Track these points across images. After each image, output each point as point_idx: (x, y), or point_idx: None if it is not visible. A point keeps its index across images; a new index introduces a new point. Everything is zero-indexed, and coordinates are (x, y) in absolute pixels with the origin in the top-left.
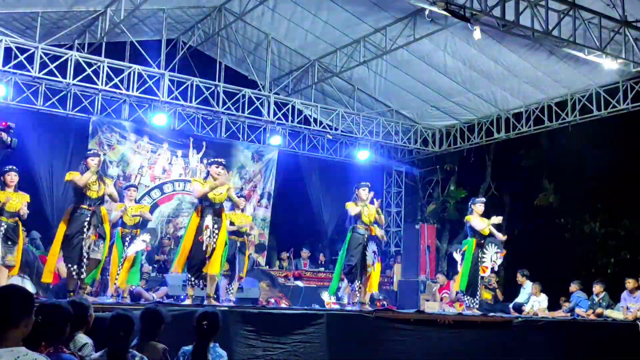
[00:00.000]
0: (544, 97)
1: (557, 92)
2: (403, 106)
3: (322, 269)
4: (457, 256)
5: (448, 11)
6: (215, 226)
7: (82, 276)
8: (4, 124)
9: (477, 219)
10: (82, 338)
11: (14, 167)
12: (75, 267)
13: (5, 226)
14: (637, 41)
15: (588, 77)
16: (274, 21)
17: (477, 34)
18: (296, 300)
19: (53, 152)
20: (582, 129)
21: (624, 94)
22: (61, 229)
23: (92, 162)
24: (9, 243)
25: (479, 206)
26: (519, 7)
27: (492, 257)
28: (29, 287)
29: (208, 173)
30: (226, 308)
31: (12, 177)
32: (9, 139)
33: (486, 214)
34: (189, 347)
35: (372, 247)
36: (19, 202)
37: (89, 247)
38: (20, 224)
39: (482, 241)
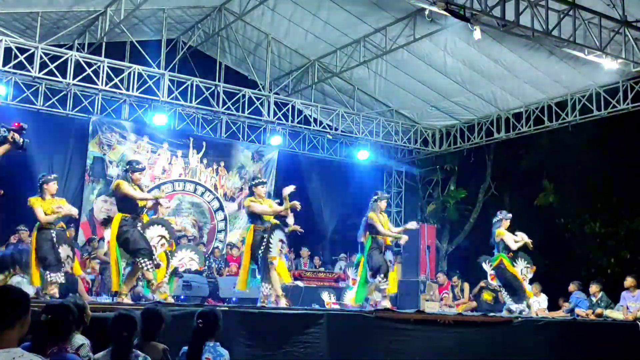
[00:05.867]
0: (544, 97)
1: (557, 92)
2: (403, 106)
3: (322, 269)
4: (486, 267)
5: (448, 11)
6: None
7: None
8: (16, 124)
9: (509, 236)
10: (79, 339)
11: (56, 176)
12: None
13: (54, 232)
14: (637, 41)
15: (588, 77)
16: (274, 21)
17: (477, 34)
18: (296, 300)
19: (53, 152)
20: (582, 129)
21: (624, 94)
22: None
23: (139, 176)
24: (64, 246)
25: (508, 221)
26: (519, 7)
27: (523, 270)
28: (26, 287)
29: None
30: (226, 308)
31: (56, 186)
32: (21, 139)
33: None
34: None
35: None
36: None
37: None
38: (65, 227)
39: (511, 254)
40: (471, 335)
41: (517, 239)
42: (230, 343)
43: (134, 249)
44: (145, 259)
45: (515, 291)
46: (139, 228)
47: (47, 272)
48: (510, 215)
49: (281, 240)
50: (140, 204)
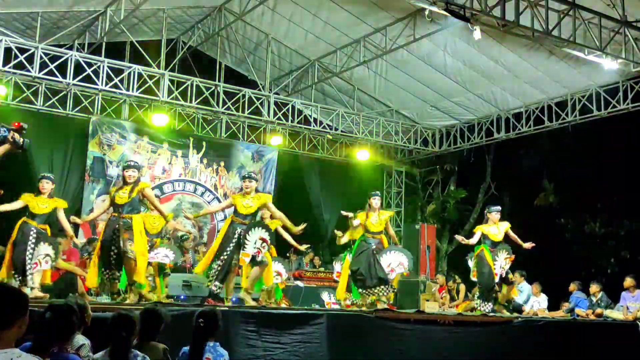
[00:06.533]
0: (544, 97)
1: (557, 92)
2: (403, 106)
3: (322, 269)
4: (471, 264)
5: (448, 11)
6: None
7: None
8: (16, 124)
9: (490, 227)
10: (79, 339)
11: (48, 175)
12: (107, 271)
13: (36, 231)
14: (637, 41)
15: (588, 77)
16: (274, 21)
17: (477, 34)
18: (296, 300)
19: (53, 152)
20: (582, 129)
21: (624, 94)
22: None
23: (126, 173)
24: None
25: (494, 215)
26: (519, 7)
27: (502, 263)
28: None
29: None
30: (226, 308)
31: (44, 185)
32: (21, 139)
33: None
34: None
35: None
36: (48, 207)
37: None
38: (49, 229)
39: (494, 248)
40: (471, 335)
41: (494, 232)
42: (230, 343)
43: (99, 254)
44: (105, 269)
45: (485, 290)
46: (118, 230)
47: (15, 274)
48: (494, 208)
49: (262, 239)
50: (118, 201)
